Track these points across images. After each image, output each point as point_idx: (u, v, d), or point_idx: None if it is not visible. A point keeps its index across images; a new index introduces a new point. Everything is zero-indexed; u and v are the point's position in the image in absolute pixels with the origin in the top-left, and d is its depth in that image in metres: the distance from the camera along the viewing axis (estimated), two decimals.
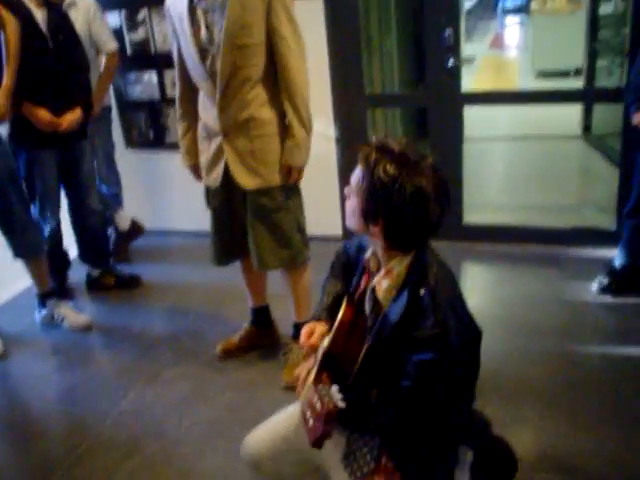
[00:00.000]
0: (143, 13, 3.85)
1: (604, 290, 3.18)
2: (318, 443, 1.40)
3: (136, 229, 4.13)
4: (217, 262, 2.81)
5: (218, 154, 2.53)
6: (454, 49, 3.46)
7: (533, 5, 9.02)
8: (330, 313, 1.74)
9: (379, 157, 1.43)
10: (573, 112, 5.77)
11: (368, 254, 1.62)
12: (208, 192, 2.71)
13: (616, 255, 3.21)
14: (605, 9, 5.96)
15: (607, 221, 3.68)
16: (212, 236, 2.78)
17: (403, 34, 5.04)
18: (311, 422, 1.40)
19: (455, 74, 3.53)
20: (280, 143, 2.50)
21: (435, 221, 1.45)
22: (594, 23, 5.55)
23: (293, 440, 1.72)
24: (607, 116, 5.32)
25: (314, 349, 1.68)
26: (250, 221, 2.59)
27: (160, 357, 3.09)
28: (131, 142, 4.24)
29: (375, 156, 1.44)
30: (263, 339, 3.03)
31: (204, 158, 2.62)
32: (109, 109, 3.91)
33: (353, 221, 1.54)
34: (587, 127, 5.63)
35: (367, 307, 1.62)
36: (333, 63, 3.68)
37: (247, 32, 2.30)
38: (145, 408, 2.72)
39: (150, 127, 4.14)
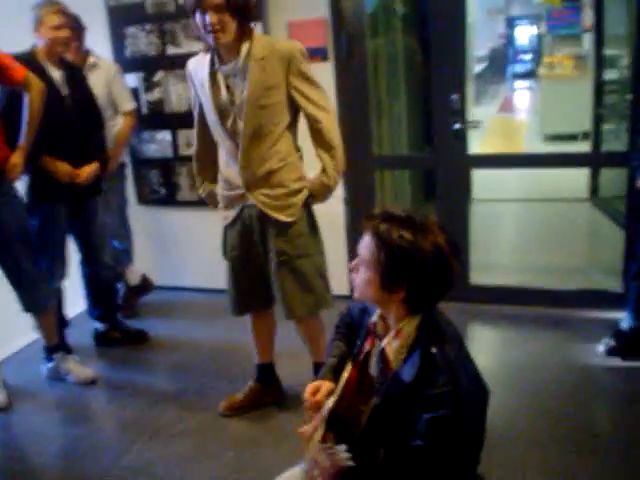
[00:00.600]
0: (160, 75, 3.99)
1: (611, 353, 3.15)
2: None
3: (146, 284, 4.17)
4: (236, 312, 2.84)
5: (239, 199, 2.63)
6: (460, 113, 3.55)
7: (541, 70, 9.23)
8: (335, 373, 1.75)
9: (389, 226, 1.47)
10: (580, 175, 5.84)
11: (374, 318, 1.64)
12: (225, 243, 2.77)
13: (623, 318, 3.20)
14: (610, 75, 6.09)
15: (614, 283, 3.67)
16: (230, 287, 2.81)
17: (412, 98, 5.18)
18: None
19: (461, 137, 3.60)
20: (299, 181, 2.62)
21: (452, 276, 1.49)
22: (599, 89, 5.66)
23: None
24: (614, 179, 5.37)
25: (318, 407, 1.69)
26: (274, 271, 2.64)
27: (164, 413, 3.07)
28: (143, 199, 4.32)
29: (385, 226, 1.48)
30: (267, 397, 3.02)
31: (224, 204, 2.71)
32: (124, 166, 4.03)
33: (368, 293, 1.55)
34: (594, 190, 5.68)
35: (374, 369, 1.63)
36: (342, 124, 3.73)
37: (269, 93, 2.44)
38: (146, 465, 2.69)
39: (162, 185, 4.23)
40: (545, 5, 9.30)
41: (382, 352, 1.59)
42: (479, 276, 3.90)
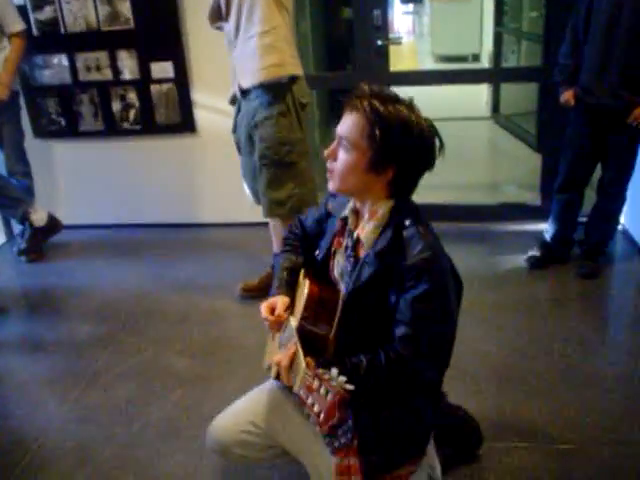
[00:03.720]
0: None
1: (538, 261, 3.29)
2: (334, 430, 1.33)
3: (54, 224, 3.83)
4: (255, 201, 3.04)
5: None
6: (383, 29, 3.46)
7: None
8: (288, 287, 1.71)
9: (380, 102, 1.41)
10: (479, 94, 5.96)
11: (345, 212, 1.58)
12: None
13: (546, 228, 3.33)
14: None
15: (530, 196, 3.81)
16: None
17: (316, 17, 5.01)
18: (317, 408, 1.32)
19: (384, 54, 3.52)
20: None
21: (433, 159, 1.47)
22: (499, 8, 5.73)
23: (261, 425, 1.69)
24: (512, 97, 5.55)
25: (280, 323, 1.63)
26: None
27: (97, 359, 2.87)
28: (40, 131, 3.92)
29: (378, 101, 1.41)
30: None
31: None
32: (17, 94, 3.62)
33: (350, 178, 1.47)
34: (495, 108, 5.83)
35: (340, 266, 1.60)
36: None
37: None
38: (89, 413, 2.52)
39: (61, 114, 3.85)
40: None
41: (355, 243, 1.55)
42: None
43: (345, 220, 1.60)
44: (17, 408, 2.61)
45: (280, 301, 1.65)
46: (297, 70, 2.74)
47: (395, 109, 1.41)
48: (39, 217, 3.74)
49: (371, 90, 1.44)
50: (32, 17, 3.63)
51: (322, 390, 1.31)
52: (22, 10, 3.57)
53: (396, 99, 1.44)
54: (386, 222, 1.48)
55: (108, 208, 4.07)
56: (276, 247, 3.16)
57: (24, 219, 3.71)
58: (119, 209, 4.06)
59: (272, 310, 1.64)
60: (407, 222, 1.45)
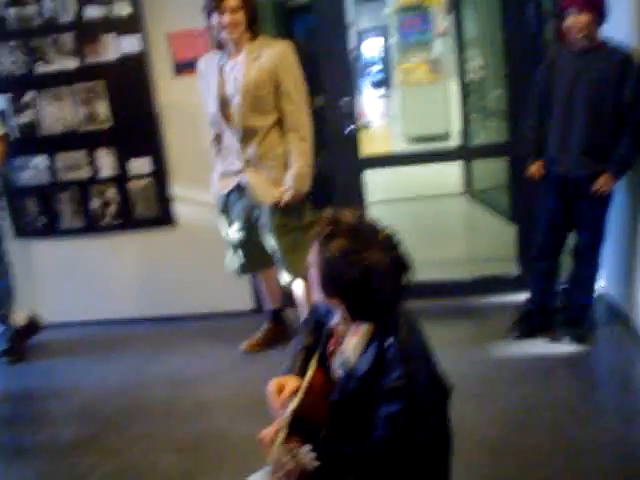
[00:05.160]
0: (30, 95, 3.66)
1: (522, 332, 3.28)
2: None
3: (34, 324, 3.79)
4: (242, 272, 3.31)
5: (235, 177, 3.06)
6: (351, 116, 3.59)
7: (398, 77, 9.61)
8: (301, 367, 1.68)
9: (332, 231, 1.41)
10: (452, 172, 6.12)
11: (335, 320, 1.59)
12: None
13: (527, 298, 3.35)
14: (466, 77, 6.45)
15: (508, 268, 3.85)
16: (234, 249, 3.22)
17: None
18: None
19: (354, 139, 3.65)
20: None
21: (389, 297, 1.42)
22: (464, 89, 5.97)
23: None
24: (484, 171, 5.70)
25: (284, 405, 1.59)
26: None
27: (79, 461, 2.77)
28: (20, 231, 3.95)
29: (328, 230, 1.42)
30: (279, 335, 3.48)
31: (221, 187, 3.12)
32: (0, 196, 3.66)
33: (315, 293, 1.51)
34: (468, 183, 5.97)
35: (337, 370, 1.58)
36: None
37: (259, 86, 2.86)
38: None
39: (41, 214, 3.89)
40: (394, 16, 9.71)
41: (343, 355, 1.56)
42: None
43: (336, 325, 1.61)
44: None
45: (289, 384, 1.61)
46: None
47: (336, 242, 1.38)
48: (19, 318, 3.70)
49: (331, 216, 1.45)
50: (12, 121, 3.72)
51: (289, 465, 1.31)
52: (2, 115, 3.66)
53: (349, 231, 1.40)
54: (368, 339, 1.49)
55: (89, 305, 4.05)
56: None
57: (3, 320, 3.67)
58: (100, 305, 4.04)
59: (281, 390, 1.60)
60: (388, 342, 1.44)
